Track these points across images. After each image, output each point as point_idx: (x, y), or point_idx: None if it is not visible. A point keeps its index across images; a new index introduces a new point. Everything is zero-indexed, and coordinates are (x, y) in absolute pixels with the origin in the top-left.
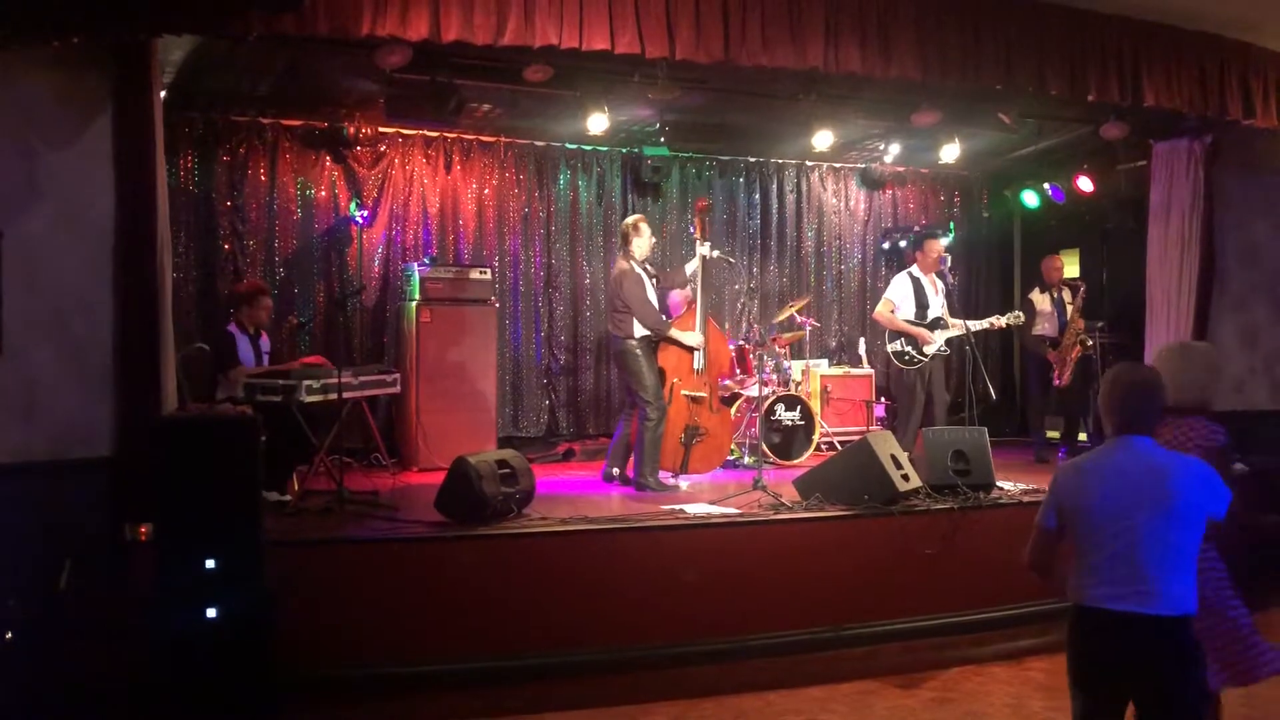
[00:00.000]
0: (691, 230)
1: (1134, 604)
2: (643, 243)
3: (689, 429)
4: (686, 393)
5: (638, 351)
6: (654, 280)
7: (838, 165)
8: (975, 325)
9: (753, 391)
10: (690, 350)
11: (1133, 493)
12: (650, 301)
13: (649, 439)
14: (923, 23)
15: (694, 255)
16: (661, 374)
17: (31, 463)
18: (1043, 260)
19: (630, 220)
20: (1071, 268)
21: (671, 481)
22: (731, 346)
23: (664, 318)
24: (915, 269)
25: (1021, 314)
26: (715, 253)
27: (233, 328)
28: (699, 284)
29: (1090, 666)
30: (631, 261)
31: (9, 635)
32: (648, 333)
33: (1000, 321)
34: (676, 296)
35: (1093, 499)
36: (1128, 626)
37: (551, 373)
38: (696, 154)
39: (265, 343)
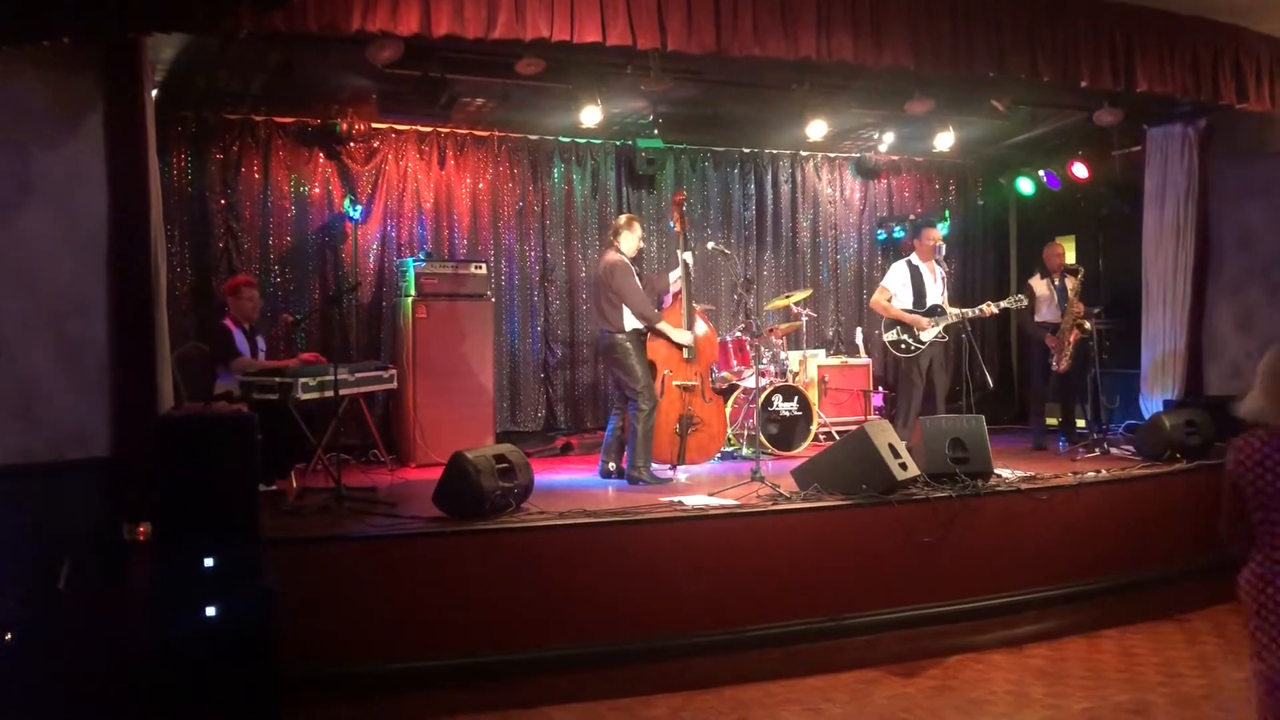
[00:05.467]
0: (671, 224)
1: None
2: (632, 240)
3: (683, 419)
4: (678, 383)
5: (628, 345)
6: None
7: (832, 155)
8: (972, 312)
9: (750, 382)
10: (678, 346)
11: None
12: (642, 291)
13: (641, 431)
14: (914, 10)
15: (676, 261)
16: (652, 366)
17: (29, 464)
18: (1045, 247)
19: (624, 217)
20: (1068, 254)
21: (667, 474)
22: (729, 338)
23: (656, 310)
24: (914, 257)
25: (1024, 297)
26: (692, 257)
27: (228, 322)
28: (684, 287)
29: None
30: (620, 254)
31: (8, 636)
32: (637, 325)
33: (996, 307)
34: (675, 288)
35: None
36: None
37: (549, 367)
38: (690, 145)
39: (261, 342)
